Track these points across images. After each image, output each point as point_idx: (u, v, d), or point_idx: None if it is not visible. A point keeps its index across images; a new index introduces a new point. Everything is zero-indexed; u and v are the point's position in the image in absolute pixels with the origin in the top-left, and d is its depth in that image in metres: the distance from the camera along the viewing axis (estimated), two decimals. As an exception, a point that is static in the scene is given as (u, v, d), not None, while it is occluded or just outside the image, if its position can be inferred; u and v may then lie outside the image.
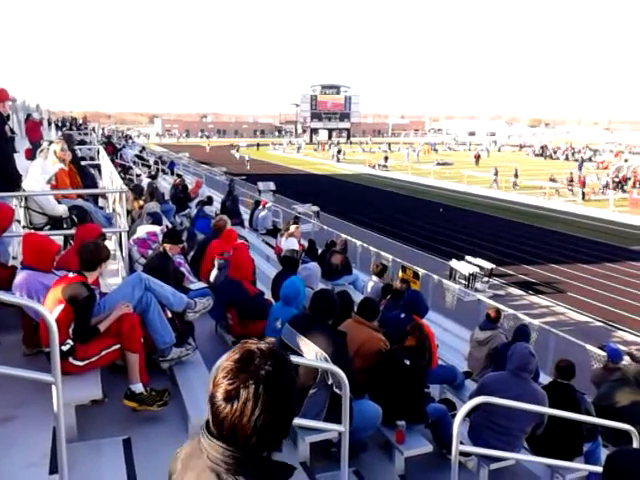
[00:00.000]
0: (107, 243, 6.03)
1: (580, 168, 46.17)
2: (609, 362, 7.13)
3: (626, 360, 7.24)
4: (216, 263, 6.70)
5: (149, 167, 25.62)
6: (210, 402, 1.34)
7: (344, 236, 14.62)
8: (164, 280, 4.70)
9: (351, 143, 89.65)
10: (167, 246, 5.66)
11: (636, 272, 19.52)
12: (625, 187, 37.27)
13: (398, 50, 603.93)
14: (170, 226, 8.62)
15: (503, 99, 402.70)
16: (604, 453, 5.40)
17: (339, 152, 64.15)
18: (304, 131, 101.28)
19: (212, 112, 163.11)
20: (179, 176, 21.66)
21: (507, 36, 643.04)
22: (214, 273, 6.67)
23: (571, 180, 37.47)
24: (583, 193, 35.45)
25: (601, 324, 14.59)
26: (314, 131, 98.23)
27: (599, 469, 3.38)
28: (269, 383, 1.30)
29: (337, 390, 3.90)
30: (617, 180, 38.08)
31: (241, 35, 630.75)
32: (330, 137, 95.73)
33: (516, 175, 38.86)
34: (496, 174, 40.52)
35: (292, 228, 11.80)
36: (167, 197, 14.03)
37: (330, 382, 4.06)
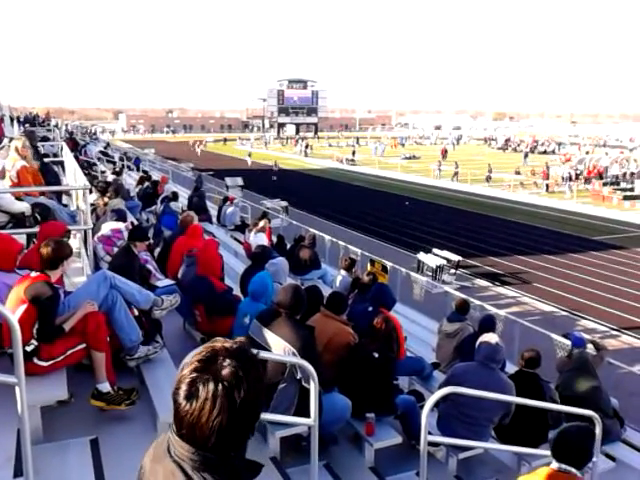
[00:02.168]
0: (71, 241, 5.93)
1: (525, 158, 49.37)
2: (573, 350, 7.28)
3: (590, 348, 7.41)
4: (185, 259, 6.65)
5: (114, 163, 25.23)
6: (172, 399, 1.33)
7: (313, 231, 14.63)
8: (130, 277, 4.65)
9: (319, 138, 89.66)
10: (133, 243, 5.60)
11: (599, 262, 19.97)
12: (579, 177, 37.94)
13: (364, 45, 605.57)
14: (136, 223, 8.51)
15: (468, 93, 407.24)
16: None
17: (307, 147, 64.09)
18: (271, 126, 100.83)
19: (178, 107, 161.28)
20: (145, 172, 21.42)
21: (471, 31, 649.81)
22: (182, 270, 6.62)
23: (535, 173, 38.13)
24: (547, 185, 36.10)
25: (566, 313, 14.90)
26: (281, 126, 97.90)
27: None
28: (230, 384, 1.28)
29: (306, 384, 3.91)
30: (578, 172, 38.81)
31: (207, 29, 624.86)
32: (298, 132, 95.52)
33: (490, 170, 39.41)
34: (457, 167, 41.13)
35: (262, 223, 11.77)
36: (133, 193, 13.85)
37: (299, 376, 4.07)
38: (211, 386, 1.27)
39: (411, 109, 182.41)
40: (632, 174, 38.79)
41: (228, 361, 1.30)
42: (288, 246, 12.14)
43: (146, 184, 15.11)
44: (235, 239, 14.20)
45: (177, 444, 1.33)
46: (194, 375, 1.29)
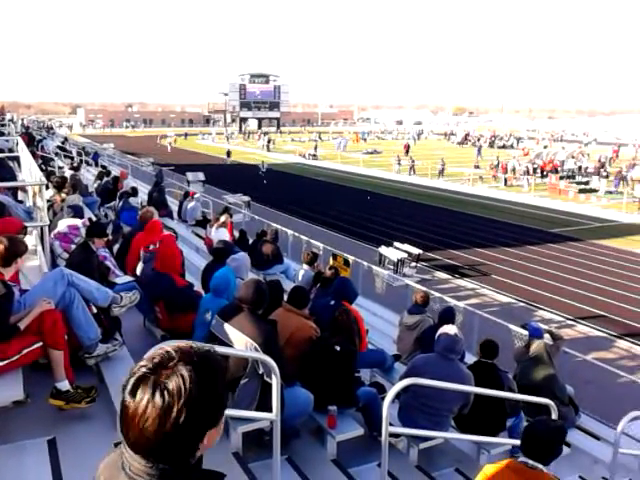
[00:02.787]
0: (28, 238, 5.81)
1: (479, 152, 50.62)
2: (530, 340, 7.46)
3: (547, 338, 7.60)
4: (142, 256, 6.57)
5: (72, 159, 24.71)
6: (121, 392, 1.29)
7: (275, 225, 14.61)
8: (88, 274, 4.58)
9: (281, 132, 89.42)
10: (91, 239, 5.51)
11: (556, 254, 20.46)
12: (537, 170, 38.69)
13: (326, 40, 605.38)
14: (94, 219, 8.37)
15: (429, 89, 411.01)
16: (525, 427, 5.66)
17: (269, 141, 63.85)
18: (233, 120, 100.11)
19: (138, 101, 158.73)
20: (104, 167, 21.04)
21: (431, 27, 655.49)
22: (140, 266, 6.55)
23: (495, 167, 38.70)
24: (505, 179, 36.75)
25: (523, 304, 15.24)
26: (243, 120, 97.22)
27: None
28: (171, 393, 1.21)
29: (268, 379, 3.92)
30: (536, 166, 39.61)
31: (168, 22, 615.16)
32: (260, 126, 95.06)
33: (443, 164, 39.92)
34: (413, 162, 41.64)
35: (223, 218, 11.70)
36: (91, 189, 13.60)
37: (261, 371, 4.08)
38: (149, 391, 1.21)
39: (373, 104, 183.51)
40: (586, 168, 39.79)
41: (180, 368, 1.24)
42: (250, 241, 12.10)
43: (105, 179, 14.84)
44: (196, 234, 14.08)
45: (131, 459, 1.27)
46: (141, 373, 1.24)
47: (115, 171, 20.06)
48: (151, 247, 6.79)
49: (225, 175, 38.40)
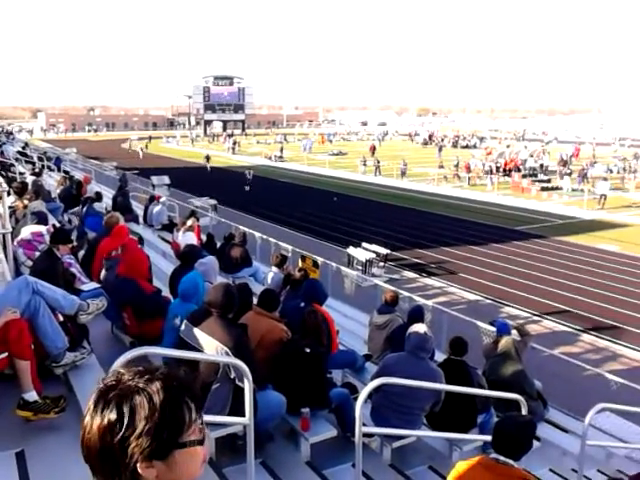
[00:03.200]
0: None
1: (439, 152, 52.07)
2: (498, 337, 7.58)
3: (514, 334, 7.73)
4: (104, 263, 6.48)
5: (33, 164, 24.17)
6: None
7: (243, 228, 14.55)
8: (53, 282, 4.49)
9: (246, 135, 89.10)
10: (55, 246, 5.40)
11: (520, 251, 20.81)
12: (500, 169, 39.29)
13: (290, 41, 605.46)
14: (58, 225, 8.20)
15: (393, 90, 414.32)
16: (496, 423, 5.74)
17: (235, 144, 63.52)
18: (198, 123, 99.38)
19: (100, 105, 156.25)
20: (66, 173, 20.65)
21: (395, 28, 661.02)
22: (103, 274, 6.45)
23: (457, 165, 39.15)
24: (468, 178, 37.22)
25: (490, 301, 15.46)
26: (208, 123, 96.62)
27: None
28: (117, 413, 1.16)
29: (240, 383, 3.90)
30: (498, 165, 40.22)
31: (130, 24, 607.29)
32: (225, 129, 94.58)
33: (405, 165, 40.34)
34: (378, 163, 41.91)
35: (190, 222, 11.58)
36: (54, 195, 13.32)
37: (232, 376, 4.05)
38: (98, 411, 1.17)
39: (338, 105, 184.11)
40: (547, 166, 40.56)
41: (141, 385, 1.19)
42: (218, 245, 12.01)
43: (68, 185, 14.56)
44: (163, 239, 13.92)
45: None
46: (95, 393, 1.21)
47: (78, 176, 19.70)
48: (113, 253, 6.70)
49: (200, 180, 38.08)
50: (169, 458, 1.20)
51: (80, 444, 1.21)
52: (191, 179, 37.81)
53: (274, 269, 9.51)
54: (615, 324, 13.78)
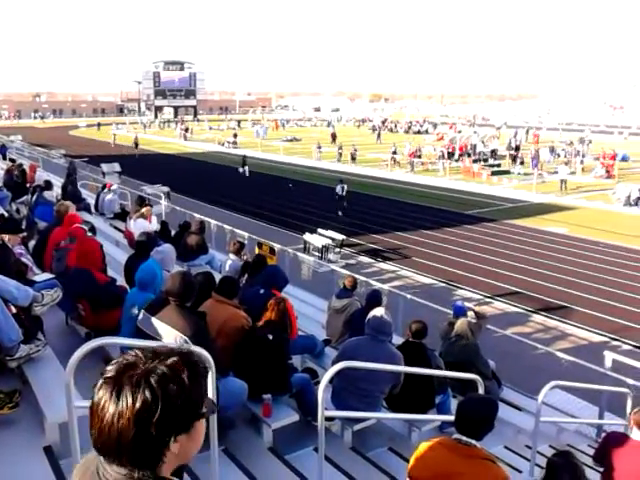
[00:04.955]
0: None
1: (378, 137, 54.58)
2: (455, 319, 7.73)
3: (470, 316, 7.90)
4: (54, 254, 6.32)
5: (-25, 152, 23.27)
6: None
7: (198, 216, 14.39)
8: (5, 273, 4.35)
9: (198, 121, 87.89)
10: (5, 236, 5.22)
11: (472, 235, 21.23)
12: (452, 155, 39.85)
13: (242, 26, 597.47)
14: (6, 215, 7.94)
15: (345, 76, 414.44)
16: (454, 403, 5.87)
17: (186, 130, 62.55)
18: (148, 109, 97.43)
19: (46, 91, 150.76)
20: (12, 161, 19.95)
21: (346, 14, 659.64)
22: (54, 264, 6.29)
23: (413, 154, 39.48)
24: (412, 164, 37.48)
25: (444, 284, 15.74)
26: (159, 109, 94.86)
27: (450, 418, 3.69)
28: (145, 398, 1.18)
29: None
30: (450, 151, 40.77)
31: (77, 7, 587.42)
32: (176, 115, 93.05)
33: (355, 150, 40.58)
34: (340, 149, 41.99)
35: (142, 210, 11.38)
36: (0, 184, 12.87)
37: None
38: (128, 395, 1.18)
39: (291, 91, 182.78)
40: (496, 151, 41.28)
41: (147, 374, 1.20)
42: (172, 232, 11.85)
43: (14, 173, 14.07)
44: (115, 227, 13.63)
45: (107, 467, 1.23)
46: (109, 382, 1.20)
47: (25, 164, 19.06)
48: (62, 243, 6.54)
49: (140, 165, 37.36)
50: (191, 430, 1.27)
51: (98, 436, 1.20)
52: (142, 166, 37.09)
53: (232, 256, 9.43)
54: (564, 304, 14.22)
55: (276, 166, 40.44)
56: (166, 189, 23.22)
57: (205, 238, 11.37)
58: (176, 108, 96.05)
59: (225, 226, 15.61)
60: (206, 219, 14.60)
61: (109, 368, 1.23)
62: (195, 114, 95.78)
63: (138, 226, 10.55)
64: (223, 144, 53.53)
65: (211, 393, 3.51)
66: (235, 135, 55.74)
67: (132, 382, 1.19)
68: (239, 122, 78.96)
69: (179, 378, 1.23)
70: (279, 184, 32.71)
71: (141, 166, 37.06)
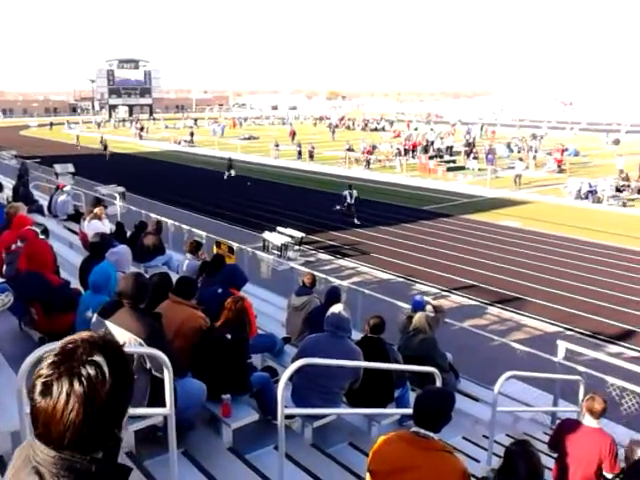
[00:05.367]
0: None
1: (333, 133, 55.73)
2: (413, 313, 7.82)
3: (429, 310, 8.01)
4: (5, 257, 6.16)
5: None
6: (28, 397, 1.25)
7: (154, 216, 14.20)
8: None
9: (154, 119, 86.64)
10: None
11: (429, 230, 21.51)
12: (408, 152, 40.24)
13: (198, 23, 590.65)
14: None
15: (303, 74, 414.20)
16: (412, 396, 5.95)
17: (142, 129, 61.57)
18: (102, 108, 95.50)
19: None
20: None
21: (303, 12, 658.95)
22: (4, 268, 6.13)
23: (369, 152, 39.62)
24: (368, 161, 37.68)
25: (402, 279, 15.92)
26: (113, 108, 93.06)
27: (409, 411, 3.74)
28: (89, 380, 1.20)
29: (157, 373, 3.83)
30: (406, 147, 41.18)
31: (27, 4, 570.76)
32: (131, 114, 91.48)
33: (312, 147, 40.69)
34: (299, 147, 42.06)
35: (97, 210, 11.16)
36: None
37: (148, 366, 3.97)
38: (66, 381, 1.19)
39: (248, 89, 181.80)
40: (452, 147, 41.89)
41: (89, 356, 1.23)
42: (128, 233, 11.66)
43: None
44: (69, 229, 13.34)
45: (37, 449, 1.24)
46: (50, 371, 1.21)
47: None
48: (13, 247, 6.38)
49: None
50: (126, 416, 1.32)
51: (43, 429, 1.22)
52: (96, 167, 36.35)
53: (189, 256, 9.35)
54: (518, 296, 14.55)
55: (234, 164, 40.11)
56: (121, 189, 22.83)
57: (162, 238, 11.26)
58: (131, 107, 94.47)
59: (183, 226, 15.45)
60: (163, 219, 14.43)
61: (51, 362, 1.24)
62: (151, 113, 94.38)
63: (92, 227, 10.34)
64: (180, 143, 52.96)
65: (169, 394, 3.48)
66: (192, 134, 55.23)
67: (81, 371, 1.21)
68: (196, 120, 78.19)
69: (124, 367, 1.29)
70: (237, 182, 32.50)
71: (96, 167, 36.29)
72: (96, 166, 36.61)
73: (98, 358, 1.23)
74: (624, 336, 12.25)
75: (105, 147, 44.25)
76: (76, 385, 1.19)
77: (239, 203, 26.29)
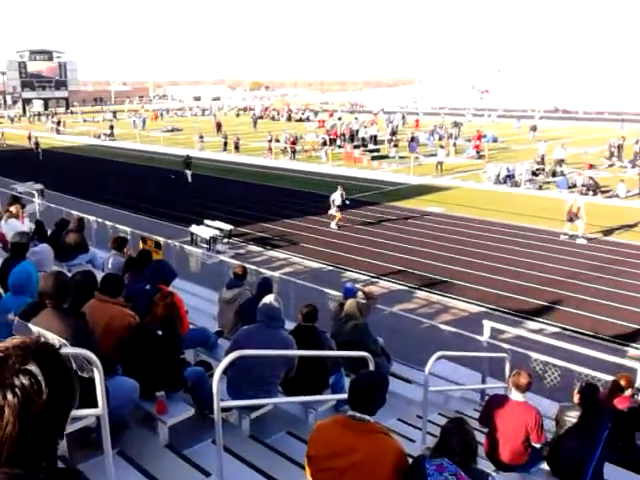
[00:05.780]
0: None
1: (255, 124, 55.31)
2: (345, 300, 7.93)
3: (360, 296, 8.14)
4: None
5: None
6: None
7: (76, 213, 13.71)
8: None
9: (72, 113, 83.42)
10: None
11: (357, 218, 21.78)
12: (331, 141, 40.51)
13: (114, 12, 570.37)
14: None
15: (225, 64, 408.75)
16: (347, 382, 6.05)
17: (59, 123, 59.17)
18: (15, 102, 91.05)
19: None
20: None
21: (222, 1, 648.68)
22: None
23: (293, 142, 39.52)
24: (294, 152, 37.58)
25: (332, 268, 16.08)
26: (27, 101, 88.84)
27: (345, 396, 3.80)
28: (24, 389, 1.13)
29: (84, 373, 3.72)
30: (332, 137, 41.43)
31: None
32: (47, 107, 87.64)
33: (238, 138, 40.41)
34: (225, 138, 41.59)
35: (13, 209, 10.68)
36: None
37: (74, 367, 3.85)
38: (1, 392, 1.13)
39: (169, 80, 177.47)
40: (376, 136, 42.45)
41: (22, 364, 1.15)
42: (49, 232, 11.22)
43: None
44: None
45: None
46: None
47: None
48: None
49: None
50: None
51: None
52: (10, 162, 34.70)
53: (114, 253, 9.09)
54: (445, 279, 15.00)
55: (157, 157, 39.27)
56: (39, 186, 21.94)
57: (85, 236, 10.90)
58: (46, 100, 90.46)
59: (106, 222, 14.99)
60: (85, 216, 13.95)
61: None
62: (67, 106, 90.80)
63: (10, 227, 9.89)
64: (99, 137, 51.37)
65: (100, 394, 3.40)
66: (112, 127, 53.66)
67: (4, 383, 1.14)
68: (115, 113, 75.87)
69: (63, 371, 1.23)
70: (161, 176, 31.80)
71: (10, 162, 34.62)
72: (20, 164, 34.97)
73: (32, 367, 1.16)
74: (545, 313, 12.87)
75: (37, 145, 41.14)
76: (9, 397, 1.13)
77: (164, 197, 25.76)
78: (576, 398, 5.18)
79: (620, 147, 32.75)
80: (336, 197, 20.63)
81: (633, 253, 16.94)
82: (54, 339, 3.81)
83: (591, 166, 30.49)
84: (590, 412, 4.98)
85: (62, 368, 1.23)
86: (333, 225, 20.43)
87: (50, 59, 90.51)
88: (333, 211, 20.51)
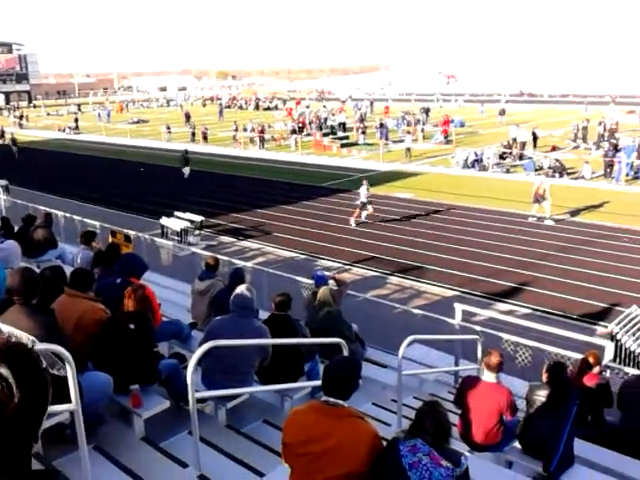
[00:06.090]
0: None
1: (220, 114, 54.38)
2: (317, 288, 7.97)
3: (332, 284, 8.17)
4: None
5: None
6: None
7: (43, 208, 13.49)
8: None
9: (35, 106, 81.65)
10: None
11: (328, 206, 21.82)
12: (299, 129, 40.38)
13: (74, 2, 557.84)
14: None
15: (191, 53, 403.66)
16: (322, 368, 6.09)
17: (21, 117, 57.89)
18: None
19: None
20: None
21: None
22: None
23: (262, 131, 39.25)
24: (263, 141, 37.45)
25: (304, 256, 16.10)
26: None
27: (319, 383, 3.84)
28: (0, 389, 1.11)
29: (54, 370, 3.67)
30: (301, 126, 41.31)
31: None
32: (8, 101, 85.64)
33: (206, 128, 40.06)
34: (193, 129, 41.19)
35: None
36: None
37: (44, 365, 3.80)
38: None
39: (133, 71, 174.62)
40: (344, 123, 42.43)
41: None
42: (16, 228, 11.03)
43: None
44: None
45: None
46: None
47: None
48: None
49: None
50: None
51: None
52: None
53: (83, 247, 8.98)
54: (417, 264, 15.13)
55: (124, 150, 38.71)
56: (4, 182, 21.52)
57: (53, 231, 10.75)
58: (7, 94, 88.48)
59: (74, 217, 14.77)
60: (53, 211, 13.74)
61: None
62: (30, 100, 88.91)
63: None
64: (64, 130, 50.43)
65: (73, 390, 3.37)
66: (76, 120, 52.71)
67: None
68: (79, 106, 74.47)
69: (36, 370, 1.20)
70: (129, 169, 31.39)
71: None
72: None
73: (2, 369, 1.13)
74: (515, 294, 13.09)
75: (14, 142, 38.82)
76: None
77: (133, 190, 25.47)
78: (544, 377, 5.29)
79: (585, 129, 33.28)
80: (361, 192, 18.82)
81: (599, 233, 17.30)
82: (25, 337, 3.76)
83: (554, 148, 30.90)
84: (559, 390, 5.10)
85: (34, 369, 1.19)
86: (352, 222, 18.87)
87: (10, 52, 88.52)
88: (369, 208, 18.91)
